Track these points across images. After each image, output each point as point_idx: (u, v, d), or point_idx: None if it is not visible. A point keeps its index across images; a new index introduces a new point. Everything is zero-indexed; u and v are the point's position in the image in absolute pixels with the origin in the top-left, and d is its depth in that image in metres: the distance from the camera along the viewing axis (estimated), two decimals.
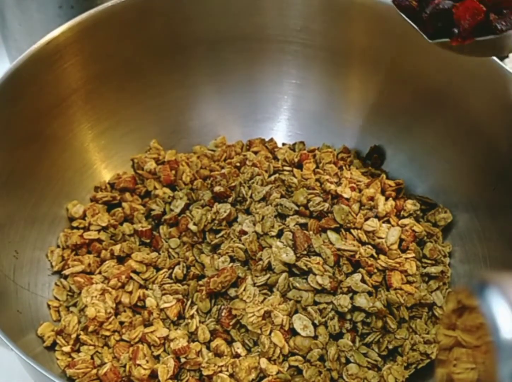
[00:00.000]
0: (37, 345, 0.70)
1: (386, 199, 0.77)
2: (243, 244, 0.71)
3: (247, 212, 0.76)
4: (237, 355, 0.68)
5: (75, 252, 0.78)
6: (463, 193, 0.81)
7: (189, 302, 0.71)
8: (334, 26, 0.84)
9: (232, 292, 0.70)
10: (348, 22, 0.83)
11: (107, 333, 0.71)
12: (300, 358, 0.68)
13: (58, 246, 0.79)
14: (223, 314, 0.68)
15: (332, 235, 0.71)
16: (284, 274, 0.69)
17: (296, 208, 0.73)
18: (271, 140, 0.91)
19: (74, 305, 0.74)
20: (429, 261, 0.76)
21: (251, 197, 0.76)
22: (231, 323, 0.69)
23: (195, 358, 0.67)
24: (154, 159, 0.87)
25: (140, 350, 0.68)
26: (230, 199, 0.77)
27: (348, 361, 0.69)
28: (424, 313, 0.73)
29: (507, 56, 1.05)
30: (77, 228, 0.80)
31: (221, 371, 0.67)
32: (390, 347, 0.70)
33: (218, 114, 0.91)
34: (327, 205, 0.72)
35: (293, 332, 0.69)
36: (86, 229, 0.80)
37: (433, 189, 0.84)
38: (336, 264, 0.70)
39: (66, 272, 0.75)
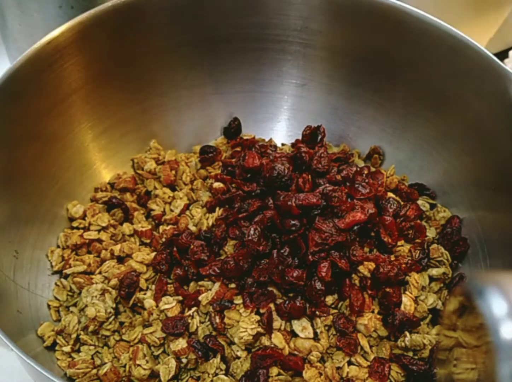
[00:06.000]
0: (37, 345, 0.70)
1: None
2: None
3: None
4: (237, 357, 0.68)
5: (75, 252, 0.78)
6: (463, 193, 0.81)
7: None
8: (334, 26, 0.84)
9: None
10: (348, 22, 0.83)
11: (107, 333, 0.71)
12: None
13: (58, 246, 0.79)
14: (215, 322, 0.68)
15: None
16: None
17: None
18: (271, 140, 0.91)
19: (74, 305, 0.75)
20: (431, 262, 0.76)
21: None
22: (226, 326, 0.69)
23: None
24: (154, 159, 0.87)
25: (140, 350, 0.68)
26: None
27: (349, 362, 0.69)
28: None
29: (507, 56, 1.06)
30: (77, 228, 0.80)
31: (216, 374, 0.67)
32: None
33: (218, 114, 0.91)
34: None
35: (293, 334, 0.69)
36: (86, 229, 0.80)
37: (433, 189, 0.84)
38: None
39: (68, 271, 0.75)
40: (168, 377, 0.66)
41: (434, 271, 0.75)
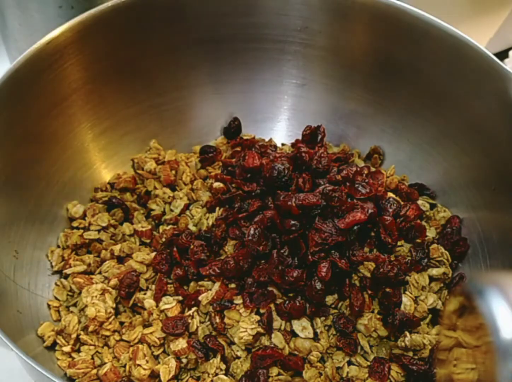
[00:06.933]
0: (37, 345, 0.70)
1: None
2: None
3: None
4: (237, 357, 0.68)
5: (75, 252, 0.78)
6: (463, 193, 0.81)
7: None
8: (334, 26, 0.84)
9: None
10: (348, 22, 0.83)
11: (107, 333, 0.71)
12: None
13: (58, 246, 0.79)
14: (215, 322, 0.68)
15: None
16: None
17: None
18: (271, 140, 0.91)
19: (74, 305, 0.75)
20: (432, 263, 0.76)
21: None
22: (226, 326, 0.69)
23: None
24: (154, 159, 0.87)
25: (140, 350, 0.68)
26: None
27: (349, 362, 0.69)
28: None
29: (507, 56, 1.06)
30: (77, 228, 0.80)
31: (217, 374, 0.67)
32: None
33: (218, 114, 0.91)
34: None
35: (293, 334, 0.69)
36: (86, 229, 0.80)
37: (433, 189, 0.84)
38: None
39: (68, 271, 0.75)
40: (168, 377, 0.66)
41: (434, 271, 0.75)
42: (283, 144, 0.91)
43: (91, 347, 0.71)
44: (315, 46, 0.86)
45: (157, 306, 0.71)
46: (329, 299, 0.70)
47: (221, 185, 0.80)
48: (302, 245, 0.68)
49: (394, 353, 0.70)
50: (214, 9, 0.83)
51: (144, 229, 0.79)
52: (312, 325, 0.69)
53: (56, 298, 0.75)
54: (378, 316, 0.70)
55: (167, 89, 0.87)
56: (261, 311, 0.68)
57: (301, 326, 0.68)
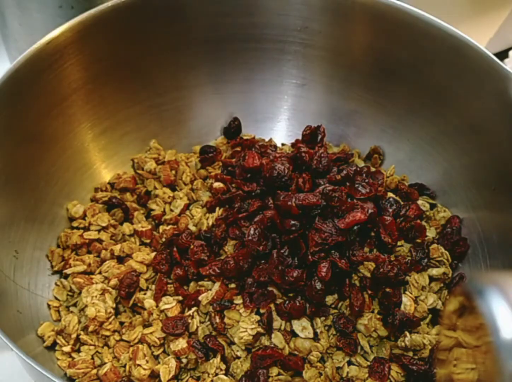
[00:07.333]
0: (37, 345, 0.70)
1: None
2: None
3: None
4: (237, 357, 0.68)
5: (75, 252, 0.78)
6: (463, 193, 0.81)
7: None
8: (334, 26, 0.84)
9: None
10: (348, 22, 0.83)
11: (107, 333, 0.71)
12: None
13: (58, 246, 0.79)
14: (215, 322, 0.68)
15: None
16: None
17: None
18: (271, 140, 0.91)
19: (74, 305, 0.75)
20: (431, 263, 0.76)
21: None
22: (226, 326, 0.69)
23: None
24: (154, 159, 0.87)
25: (140, 350, 0.68)
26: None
27: (349, 362, 0.69)
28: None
29: (507, 56, 1.06)
30: (77, 228, 0.80)
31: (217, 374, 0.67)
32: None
33: (218, 114, 0.91)
34: None
35: (293, 334, 0.69)
36: (86, 229, 0.80)
37: (433, 189, 0.84)
38: None
39: (68, 271, 0.75)
40: (168, 377, 0.66)
41: (434, 271, 0.75)
42: (283, 144, 0.91)
43: (91, 347, 0.71)
44: (315, 46, 0.86)
45: (157, 306, 0.71)
46: (329, 299, 0.70)
47: (221, 185, 0.80)
48: (302, 245, 0.68)
49: (394, 353, 0.70)
50: (214, 9, 0.83)
51: (144, 229, 0.79)
52: (312, 325, 0.69)
53: (56, 298, 0.75)
54: (378, 316, 0.70)
55: (167, 89, 0.87)
56: (261, 311, 0.68)
57: (301, 326, 0.68)
